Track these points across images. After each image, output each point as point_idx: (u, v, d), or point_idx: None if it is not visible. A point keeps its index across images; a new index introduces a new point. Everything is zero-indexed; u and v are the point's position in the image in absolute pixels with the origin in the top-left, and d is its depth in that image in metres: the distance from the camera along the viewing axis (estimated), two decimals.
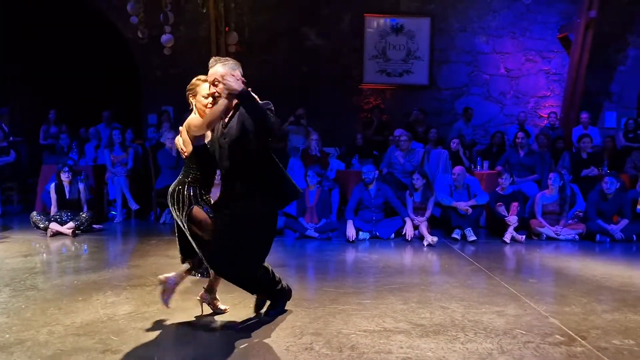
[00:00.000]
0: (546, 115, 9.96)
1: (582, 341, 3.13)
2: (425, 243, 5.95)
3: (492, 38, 10.10)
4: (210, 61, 3.08)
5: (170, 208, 3.23)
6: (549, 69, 10.16)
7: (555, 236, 6.36)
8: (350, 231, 6.09)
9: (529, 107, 10.12)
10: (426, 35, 10.03)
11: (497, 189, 6.73)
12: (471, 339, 3.14)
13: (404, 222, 6.26)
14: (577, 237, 6.35)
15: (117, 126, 8.59)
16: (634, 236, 6.32)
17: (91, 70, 11.14)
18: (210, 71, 3.07)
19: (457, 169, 6.78)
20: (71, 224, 6.31)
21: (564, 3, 9.92)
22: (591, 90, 9.95)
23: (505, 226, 6.28)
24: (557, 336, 3.21)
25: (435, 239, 5.97)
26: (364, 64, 9.96)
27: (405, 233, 6.17)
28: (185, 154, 3.20)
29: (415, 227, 6.26)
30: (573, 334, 3.24)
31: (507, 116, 10.05)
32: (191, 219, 3.14)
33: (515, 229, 6.31)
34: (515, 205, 6.43)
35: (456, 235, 6.27)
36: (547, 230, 6.39)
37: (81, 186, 6.64)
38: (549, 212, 6.54)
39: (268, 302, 3.50)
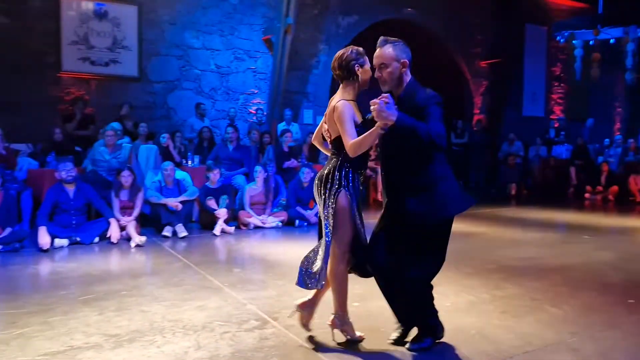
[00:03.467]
0: (255, 112, 10.60)
1: (274, 322, 3.34)
2: (132, 244, 5.63)
3: (202, 34, 10.20)
4: (379, 40, 2.79)
5: (316, 196, 2.93)
6: (255, 68, 10.81)
7: (262, 225, 6.79)
8: (43, 239, 5.33)
9: (239, 104, 10.61)
10: (134, 24, 9.51)
11: (206, 183, 6.81)
12: (169, 340, 3.04)
13: (109, 224, 5.80)
14: (280, 224, 6.90)
15: None
16: None
17: None
18: (378, 52, 2.78)
19: (167, 164, 6.62)
20: None
21: (266, 7, 10.67)
22: (292, 89, 11.00)
23: (215, 219, 6.41)
24: (253, 321, 3.36)
25: (143, 238, 5.70)
26: (61, 49, 8.89)
27: (110, 236, 5.72)
28: (331, 138, 2.90)
29: (123, 228, 5.87)
30: (267, 317, 3.43)
31: (219, 111, 10.33)
32: (337, 203, 2.81)
33: (226, 221, 6.50)
34: (225, 199, 6.62)
35: (167, 232, 6.12)
36: (254, 219, 6.77)
37: None
38: (256, 202, 6.94)
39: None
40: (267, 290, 4.07)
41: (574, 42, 11.60)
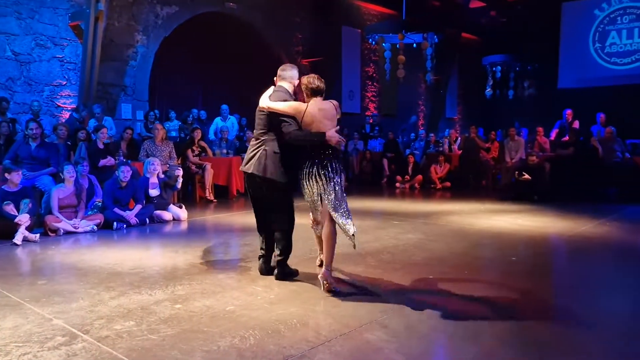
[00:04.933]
0: (67, 106, 9.59)
1: (85, 335, 3.04)
2: None
3: None
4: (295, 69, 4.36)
5: (316, 185, 3.81)
6: (63, 57, 9.78)
7: (74, 229, 6.16)
8: None
9: (44, 96, 9.50)
10: None
11: (3, 186, 5.96)
12: None
13: None
14: (95, 227, 6.32)
15: None
16: (147, 219, 6.81)
17: None
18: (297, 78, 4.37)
19: None
20: None
21: None
22: (107, 82, 10.18)
23: (16, 227, 5.63)
24: (59, 338, 3.01)
25: None
26: None
27: None
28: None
29: None
30: (76, 331, 3.11)
31: (19, 104, 9.13)
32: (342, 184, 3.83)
33: (29, 228, 5.76)
34: (27, 203, 5.85)
35: None
36: (65, 224, 6.11)
37: None
38: (66, 205, 6.27)
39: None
40: (78, 302, 3.69)
41: (383, 44, 12.68)
